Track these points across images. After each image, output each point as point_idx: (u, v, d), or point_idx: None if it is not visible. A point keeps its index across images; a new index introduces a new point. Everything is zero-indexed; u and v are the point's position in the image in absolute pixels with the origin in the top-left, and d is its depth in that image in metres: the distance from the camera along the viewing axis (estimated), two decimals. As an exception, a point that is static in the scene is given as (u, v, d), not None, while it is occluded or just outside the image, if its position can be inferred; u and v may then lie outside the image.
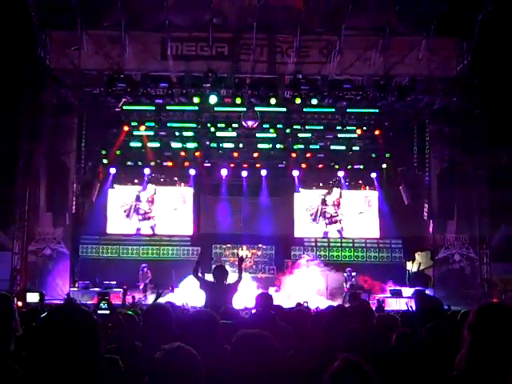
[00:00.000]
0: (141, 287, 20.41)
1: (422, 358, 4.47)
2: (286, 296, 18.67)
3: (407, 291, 19.83)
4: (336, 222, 24.74)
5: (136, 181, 24.29)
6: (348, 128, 22.82)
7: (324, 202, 24.79)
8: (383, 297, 18.41)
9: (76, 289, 19.89)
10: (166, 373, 2.60)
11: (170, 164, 24.05)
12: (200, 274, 9.49)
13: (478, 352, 2.97)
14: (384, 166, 23.85)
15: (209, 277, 9.53)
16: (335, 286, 20.80)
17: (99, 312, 3.64)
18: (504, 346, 2.90)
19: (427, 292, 18.08)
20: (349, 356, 2.84)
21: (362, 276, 21.45)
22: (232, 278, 9.30)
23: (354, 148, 23.74)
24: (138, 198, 24.44)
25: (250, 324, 5.36)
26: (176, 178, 24.45)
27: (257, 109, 19.78)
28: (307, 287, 19.94)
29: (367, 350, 4.29)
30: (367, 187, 24.58)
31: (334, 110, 21.59)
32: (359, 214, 24.53)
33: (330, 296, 20.17)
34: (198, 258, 10.55)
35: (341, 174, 24.30)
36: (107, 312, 3.84)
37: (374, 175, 24.14)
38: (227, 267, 9.97)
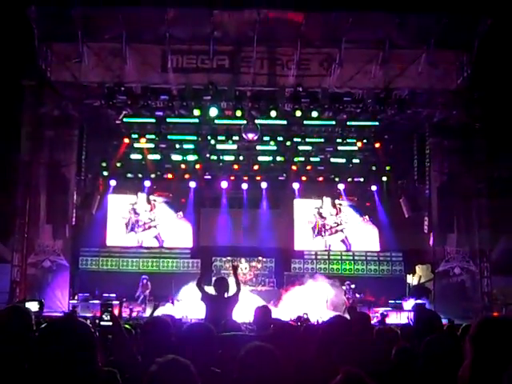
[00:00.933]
0: (140, 299, 20.35)
1: (420, 372, 4.45)
2: (287, 309, 18.61)
3: (408, 305, 19.80)
4: (337, 231, 24.73)
5: (134, 192, 24.41)
6: (348, 141, 22.79)
7: (321, 215, 24.83)
8: (386, 310, 18.36)
9: (75, 301, 19.86)
10: None
11: (170, 176, 24.07)
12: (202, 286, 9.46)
13: (480, 365, 2.97)
14: (384, 178, 23.88)
15: (209, 289, 9.50)
16: (337, 300, 20.73)
17: (102, 323, 3.61)
18: (506, 358, 2.89)
19: (426, 305, 18.09)
20: (350, 369, 2.83)
21: (369, 290, 21.47)
22: (231, 288, 9.27)
23: (354, 161, 23.73)
24: (134, 211, 24.48)
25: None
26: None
27: (257, 121, 19.80)
28: (308, 300, 19.86)
29: (364, 364, 4.27)
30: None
31: (334, 122, 21.57)
32: (362, 220, 24.60)
33: (332, 309, 20.09)
34: (201, 270, 10.37)
35: (341, 186, 24.33)
36: (110, 323, 3.83)
37: (374, 188, 24.16)
38: (230, 280, 9.89)
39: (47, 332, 2.58)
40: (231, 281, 9.64)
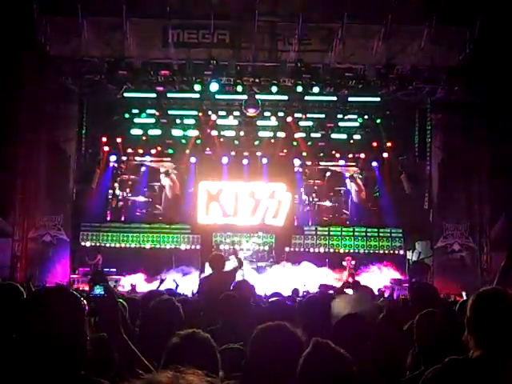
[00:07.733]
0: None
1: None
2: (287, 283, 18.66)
3: (407, 280, 19.89)
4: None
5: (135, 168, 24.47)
6: (349, 117, 22.76)
7: (321, 193, 24.92)
8: (385, 286, 18.45)
9: (76, 276, 19.95)
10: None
11: (170, 152, 24.07)
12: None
13: (479, 336, 3.01)
14: (385, 154, 23.79)
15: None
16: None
17: (91, 294, 3.63)
18: (503, 329, 2.94)
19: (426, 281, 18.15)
20: (319, 339, 2.92)
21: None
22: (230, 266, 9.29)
23: (355, 137, 23.65)
24: (134, 188, 24.52)
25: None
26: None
27: (258, 97, 19.75)
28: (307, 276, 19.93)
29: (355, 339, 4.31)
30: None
31: (335, 98, 21.46)
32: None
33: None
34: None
35: (341, 162, 24.33)
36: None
37: (375, 164, 24.12)
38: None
39: (33, 300, 2.60)
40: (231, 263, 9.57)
